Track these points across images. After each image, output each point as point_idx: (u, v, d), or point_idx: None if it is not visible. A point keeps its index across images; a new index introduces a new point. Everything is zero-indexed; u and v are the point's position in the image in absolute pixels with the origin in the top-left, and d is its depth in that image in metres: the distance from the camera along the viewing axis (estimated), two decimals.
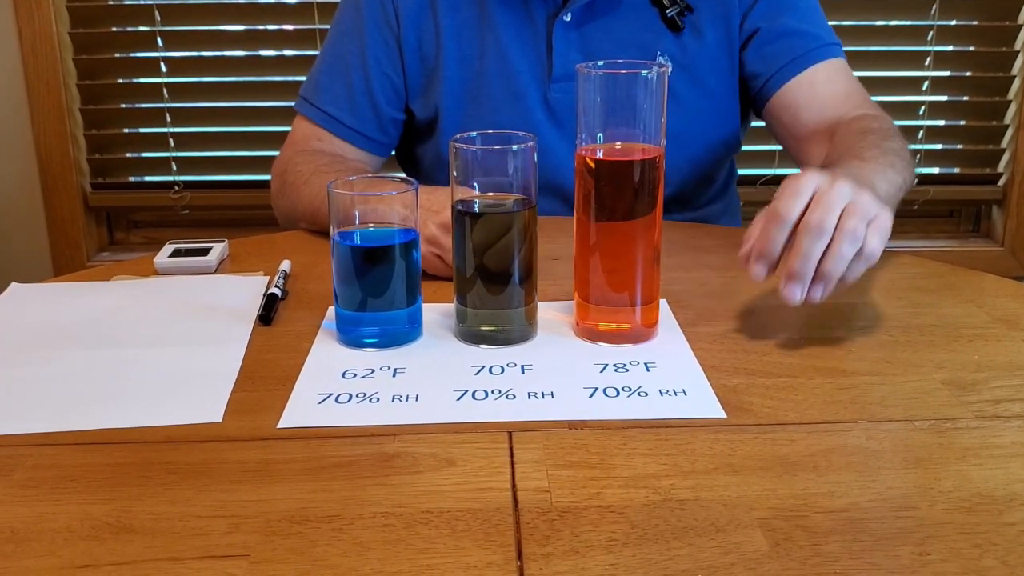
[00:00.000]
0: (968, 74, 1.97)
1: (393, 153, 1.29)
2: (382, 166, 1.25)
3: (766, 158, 1.97)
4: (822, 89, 1.13)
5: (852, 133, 1.03)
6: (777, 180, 1.97)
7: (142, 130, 1.98)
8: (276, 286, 0.90)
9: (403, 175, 0.83)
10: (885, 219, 0.76)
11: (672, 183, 1.18)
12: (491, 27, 1.15)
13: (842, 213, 0.74)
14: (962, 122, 2.01)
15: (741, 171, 1.40)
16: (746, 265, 0.77)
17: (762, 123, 1.24)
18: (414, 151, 1.27)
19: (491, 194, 0.76)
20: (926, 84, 1.96)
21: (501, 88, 1.16)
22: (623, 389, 0.71)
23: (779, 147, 1.94)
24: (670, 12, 1.13)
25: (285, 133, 1.91)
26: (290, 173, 1.14)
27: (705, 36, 1.15)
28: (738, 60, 1.17)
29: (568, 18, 1.13)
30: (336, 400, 0.70)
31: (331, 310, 0.85)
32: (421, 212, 0.80)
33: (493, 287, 0.78)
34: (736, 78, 1.18)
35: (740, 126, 1.24)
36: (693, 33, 1.15)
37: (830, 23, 1.19)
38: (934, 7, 1.91)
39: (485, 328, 0.79)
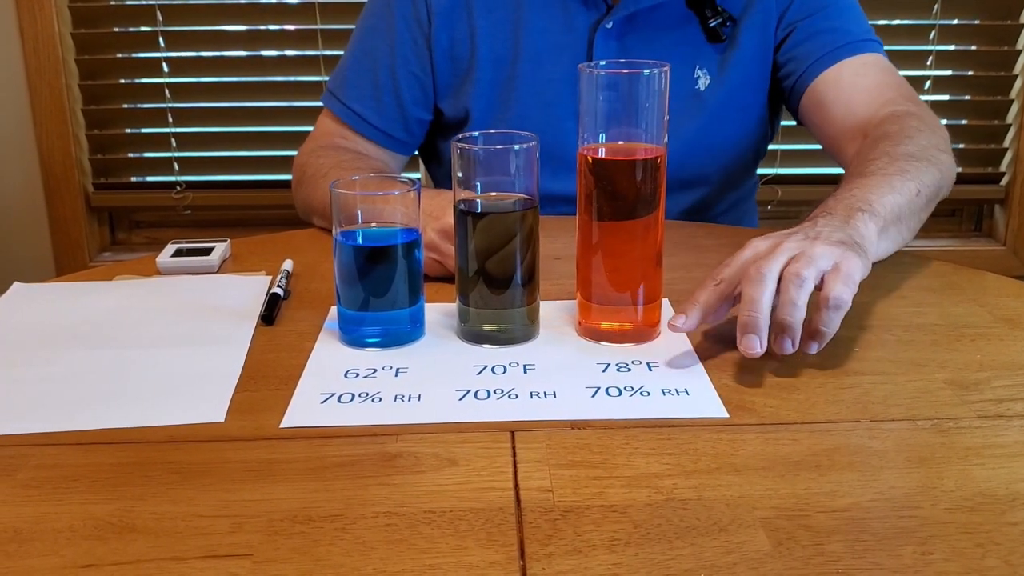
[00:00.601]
0: (970, 73, 1.97)
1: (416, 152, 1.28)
2: (404, 165, 1.24)
3: (767, 158, 1.96)
4: (848, 84, 1.10)
5: (869, 143, 1.00)
6: (778, 180, 1.97)
7: (144, 130, 1.98)
8: (278, 286, 0.90)
9: (406, 175, 0.83)
10: (849, 263, 0.72)
11: (698, 191, 1.18)
12: (527, 31, 1.13)
13: (788, 262, 0.73)
14: (964, 121, 2.01)
15: None
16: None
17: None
18: (438, 145, 1.25)
19: (494, 194, 0.77)
20: (928, 83, 1.96)
21: (532, 94, 1.14)
22: (625, 389, 0.71)
23: (780, 147, 1.95)
24: (712, 23, 1.12)
25: (287, 133, 1.95)
26: (309, 167, 1.13)
27: (743, 47, 1.14)
28: (771, 65, 1.16)
29: (610, 26, 1.11)
30: (338, 400, 0.70)
31: (333, 310, 0.85)
32: (422, 216, 0.80)
33: (495, 287, 0.78)
34: (767, 87, 1.17)
35: (769, 134, 1.23)
36: (731, 45, 1.14)
37: None
38: (936, 6, 1.91)
39: (487, 328, 0.79)
